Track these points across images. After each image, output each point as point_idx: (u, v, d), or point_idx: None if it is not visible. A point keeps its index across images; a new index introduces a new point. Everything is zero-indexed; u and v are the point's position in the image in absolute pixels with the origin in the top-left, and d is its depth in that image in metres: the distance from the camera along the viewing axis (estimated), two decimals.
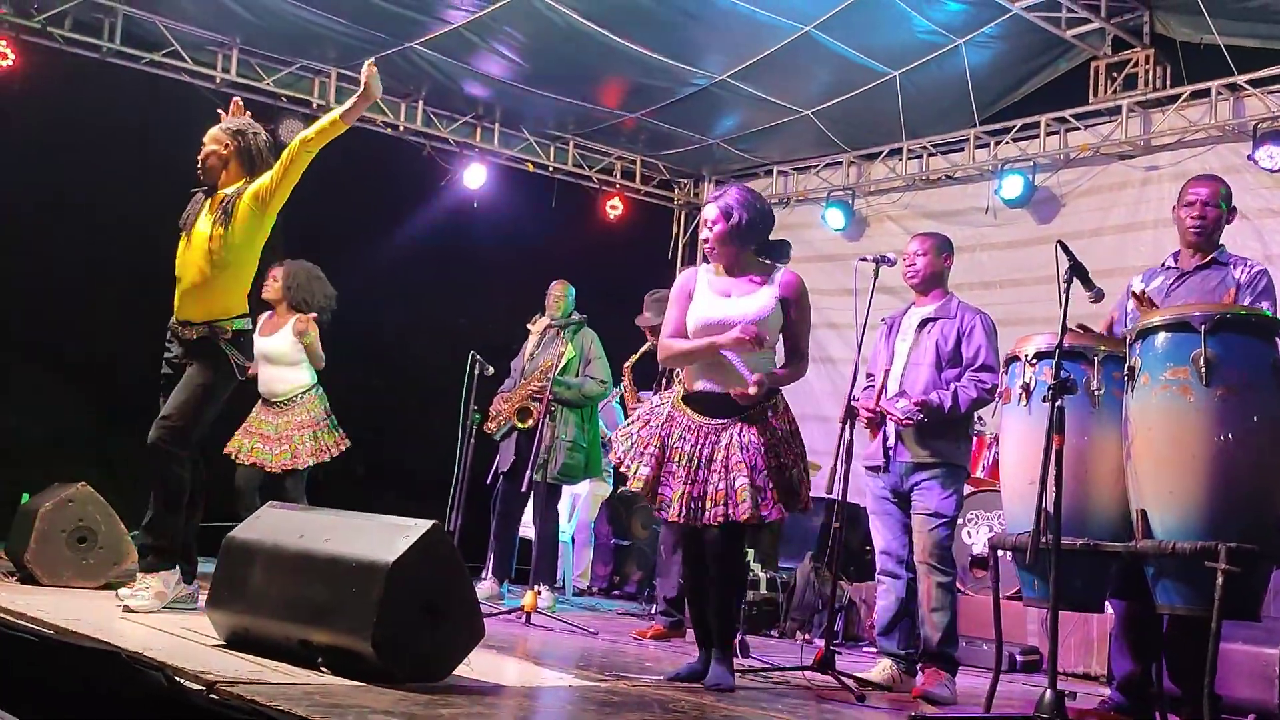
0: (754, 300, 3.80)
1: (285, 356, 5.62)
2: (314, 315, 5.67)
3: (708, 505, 3.64)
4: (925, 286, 4.39)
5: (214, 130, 4.37)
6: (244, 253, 4.25)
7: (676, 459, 3.72)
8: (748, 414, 3.70)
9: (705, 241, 3.91)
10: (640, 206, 9.65)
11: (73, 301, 7.39)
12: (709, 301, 3.84)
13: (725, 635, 3.79)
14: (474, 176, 8.72)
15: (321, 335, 5.74)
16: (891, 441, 4.25)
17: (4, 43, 6.93)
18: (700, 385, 3.79)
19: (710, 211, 3.89)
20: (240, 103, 4.60)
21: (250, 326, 4.34)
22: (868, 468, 4.34)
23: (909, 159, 8.61)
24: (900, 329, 4.45)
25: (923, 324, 4.36)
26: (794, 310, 3.81)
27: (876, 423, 4.25)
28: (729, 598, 3.88)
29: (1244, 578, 2.92)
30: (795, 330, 3.82)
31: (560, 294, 6.47)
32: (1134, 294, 3.78)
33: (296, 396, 5.65)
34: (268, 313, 5.77)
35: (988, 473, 6.41)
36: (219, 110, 4.54)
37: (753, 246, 3.90)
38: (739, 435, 3.66)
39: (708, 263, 3.99)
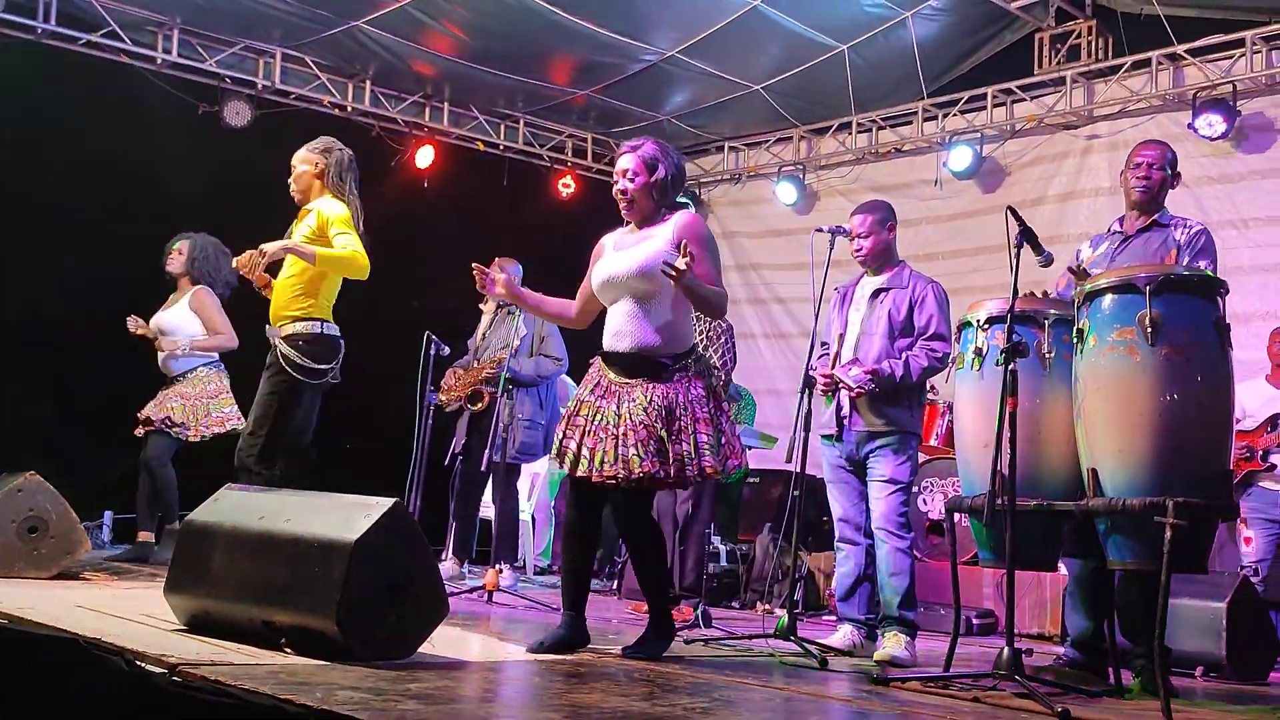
0: (646, 246, 3.61)
1: (181, 329, 5.74)
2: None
3: (600, 462, 3.48)
4: (876, 263, 4.42)
5: (302, 151, 4.54)
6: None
7: (585, 412, 3.58)
8: (660, 374, 3.52)
9: (623, 193, 3.67)
10: (592, 184, 9.61)
11: (20, 296, 7.23)
12: (609, 258, 3.71)
13: (649, 601, 3.72)
14: (424, 157, 8.64)
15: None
16: (846, 411, 4.30)
17: None
18: (609, 344, 3.65)
19: (630, 162, 3.66)
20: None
21: (323, 330, 4.38)
22: (823, 437, 4.39)
23: (858, 133, 8.67)
24: (853, 299, 4.49)
25: (875, 294, 4.40)
26: (694, 248, 3.49)
27: (833, 390, 4.28)
28: (642, 561, 3.76)
29: (1191, 531, 2.99)
30: (701, 270, 3.53)
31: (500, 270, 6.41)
32: (1070, 269, 3.82)
33: (189, 372, 5.74)
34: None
35: (941, 441, 6.51)
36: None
37: (668, 202, 3.71)
38: (644, 395, 3.49)
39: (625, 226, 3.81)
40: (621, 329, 3.62)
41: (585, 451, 3.53)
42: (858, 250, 4.41)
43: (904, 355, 4.23)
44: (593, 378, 3.66)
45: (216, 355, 5.85)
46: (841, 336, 4.41)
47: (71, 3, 7.16)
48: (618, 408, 3.51)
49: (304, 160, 4.52)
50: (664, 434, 3.45)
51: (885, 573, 4.17)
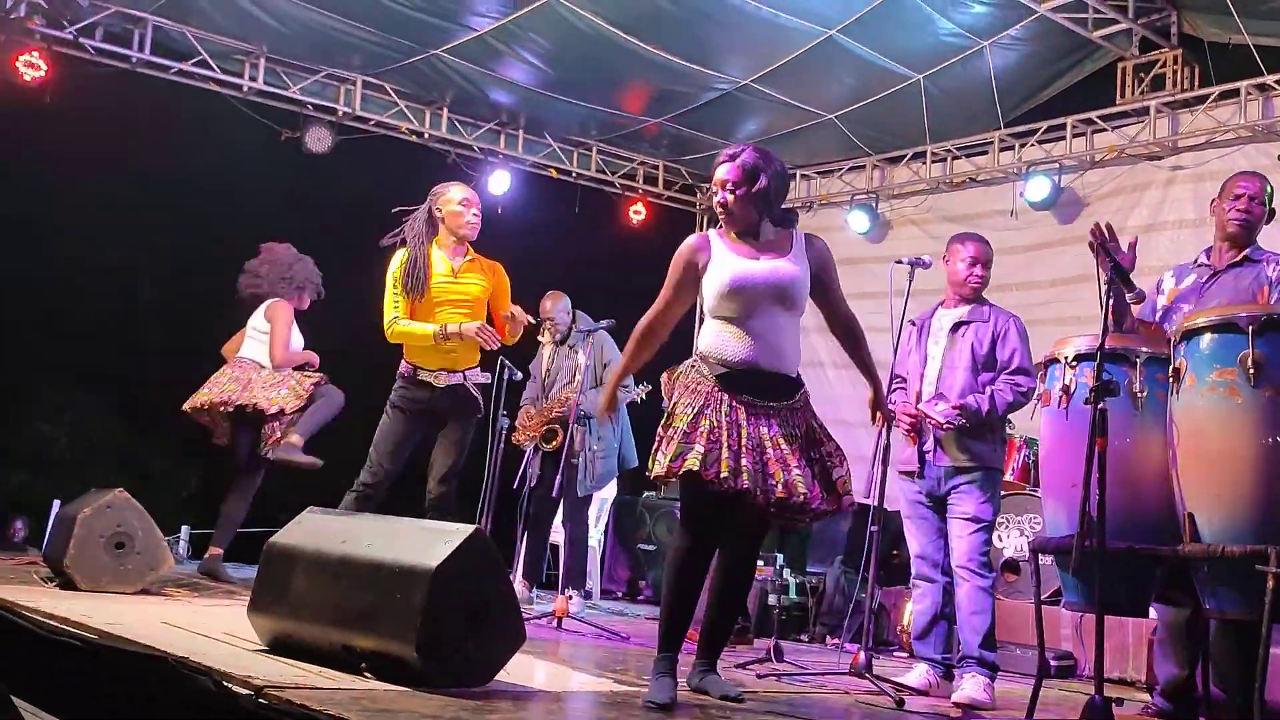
0: (785, 266, 3.43)
1: (257, 332, 5.87)
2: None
3: (774, 486, 3.23)
4: (978, 297, 4.37)
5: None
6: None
7: (737, 434, 3.26)
8: (794, 395, 3.40)
9: (723, 205, 3.44)
10: (663, 211, 9.65)
11: (100, 313, 7.45)
12: (738, 262, 3.41)
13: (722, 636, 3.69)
14: (498, 183, 8.73)
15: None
16: (929, 446, 4.22)
17: (37, 54, 6.98)
18: (745, 355, 3.37)
19: (729, 172, 3.43)
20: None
21: (489, 379, 4.73)
22: (902, 472, 4.32)
23: (933, 162, 8.58)
24: (931, 331, 4.42)
25: (956, 327, 4.33)
26: (825, 277, 3.52)
27: (916, 429, 4.22)
28: (735, 595, 3.61)
29: None
30: (834, 296, 3.57)
31: (549, 310, 6.39)
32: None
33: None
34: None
35: (1017, 475, 6.37)
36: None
37: (772, 213, 3.50)
38: (793, 420, 3.36)
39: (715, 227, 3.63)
40: (767, 348, 3.38)
41: (744, 466, 3.21)
42: (977, 280, 4.33)
43: (989, 390, 4.16)
44: (706, 394, 3.32)
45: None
46: (921, 372, 4.35)
47: (165, 34, 7.39)
48: (768, 430, 3.29)
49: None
50: (821, 459, 3.36)
51: (966, 612, 4.08)
